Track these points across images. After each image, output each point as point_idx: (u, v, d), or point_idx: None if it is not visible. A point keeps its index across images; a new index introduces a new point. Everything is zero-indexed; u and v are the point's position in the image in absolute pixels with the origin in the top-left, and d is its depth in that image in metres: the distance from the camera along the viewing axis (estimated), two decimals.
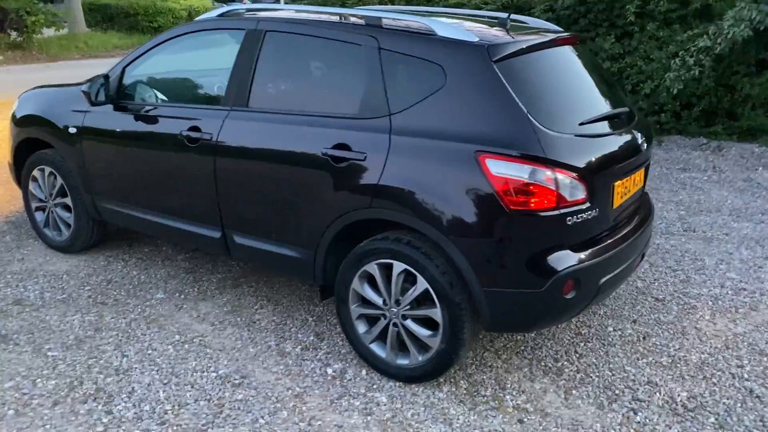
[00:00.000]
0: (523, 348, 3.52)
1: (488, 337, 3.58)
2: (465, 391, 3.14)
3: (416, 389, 3.14)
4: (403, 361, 3.16)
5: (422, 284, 2.98)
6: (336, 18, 3.33)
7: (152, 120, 3.79)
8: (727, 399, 3.11)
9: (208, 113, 3.56)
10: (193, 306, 3.90)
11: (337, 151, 3.09)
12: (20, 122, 4.51)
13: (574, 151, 2.87)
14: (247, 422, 2.89)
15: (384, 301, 3.14)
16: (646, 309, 3.95)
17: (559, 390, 3.17)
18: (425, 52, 2.99)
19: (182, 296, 4.02)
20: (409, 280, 3.04)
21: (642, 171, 3.39)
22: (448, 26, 3.01)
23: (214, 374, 3.23)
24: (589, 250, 2.93)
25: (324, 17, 3.38)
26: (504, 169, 2.75)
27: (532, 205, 2.75)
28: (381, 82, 3.06)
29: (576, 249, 2.89)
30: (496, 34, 3.12)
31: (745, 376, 3.29)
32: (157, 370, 3.24)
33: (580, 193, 2.84)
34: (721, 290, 4.18)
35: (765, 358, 3.44)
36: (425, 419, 2.94)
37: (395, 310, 3.11)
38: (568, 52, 3.31)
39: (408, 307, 3.07)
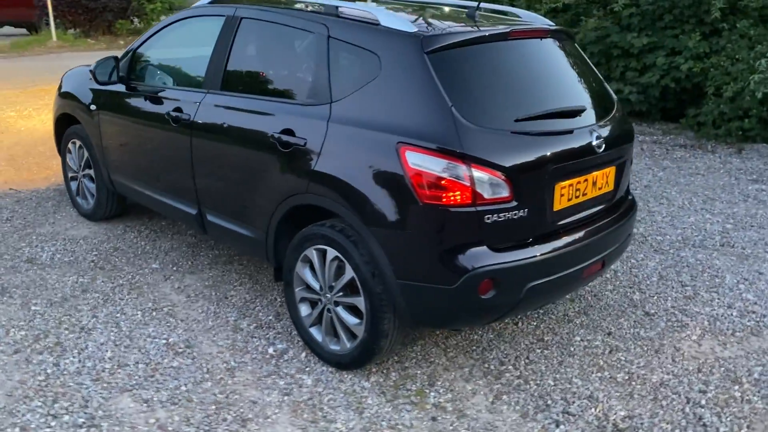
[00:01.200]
0: (474, 348, 3.43)
1: (443, 333, 3.53)
2: (392, 384, 3.13)
3: (345, 376, 3.17)
4: (335, 347, 3.19)
5: (349, 272, 3.00)
6: (301, 6, 3.39)
7: (150, 100, 4.04)
8: (667, 423, 2.88)
9: (190, 95, 3.75)
10: (179, 278, 4.13)
11: (284, 136, 3.17)
12: (60, 97, 4.95)
13: (501, 147, 2.77)
14: (170, 388, 3.05)
15: (321, 286, 3.18)
16: (629, 322, 3.72)
17: (490, 393, 3.08)
18: (366, 41, 3.00)
19: (174, 268, 4.26)
20: (342, 267, 3.06)
21: (607, 172, 3.19)
22: (392, 16, 2.99)
23: (164, 341, 3.42)
24: (514, 251, 2.82)
25: (292, 5, 3.46)
26: (420, 162, 2.71)
27: (444, 199, 2.69)
28: (327, 69, 3.10)
29: (498, 248, 2.79)
30: (444, 25, 3.05)
31: (702, 402, 3.03)
32: (116, 333, 3.48)
33: (504, 192, 2.74)
34: (726, 311, 3.85)
35: (736, 387, 3.15)
36: (338, 405, 2.96)
37: (329, 296, 3.14)
38: (528, 46, 3.18)
39: (341, 294, 3.10)
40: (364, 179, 2.88)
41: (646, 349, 3.46)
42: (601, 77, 3.56)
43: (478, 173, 2.68)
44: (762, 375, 3.25)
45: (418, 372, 3.22)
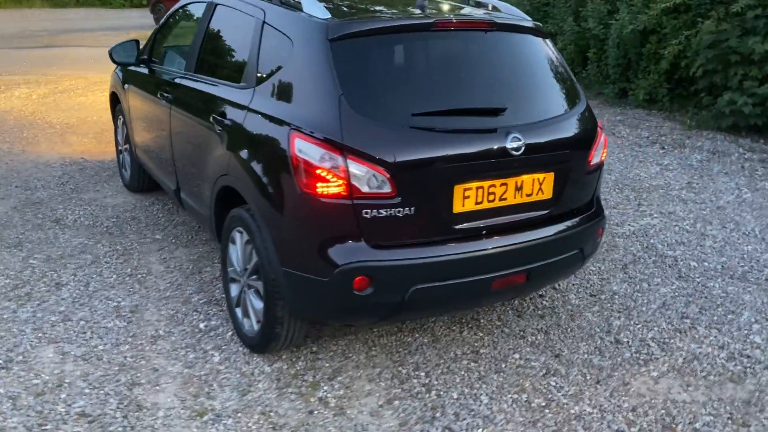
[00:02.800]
0: (401, 350, 3.30)
1: (377, 331, 3.43)
2: (293, 373, 3.10)
3: (253, 359, 3.19)
4: (248, 329, 3.23)
5: (255, 256, 3.03)
6: None
7: (153, 81, 4.32)
8: None
9: (176, 77, 3.96)
10: (171, 250, 4.37)
11: (220, 118, 3.25)
12: (114, 74, 5.41)
13: (390, 142, 2.64)
14: (92, 345, 3.26)
15: (240, 268, 3.23)
16: (589, 347, 3.38)
17: (383, 397, 2.95)
18: (286, 26, 3.00)
19: (173, 240, 4.52)
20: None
21: (540, 178, 2.91)
22: (314, 3, 2.95)
23: (115, 304, 3.65)
24: (398, 250, 2.68)
25: None
26: (303, 149, 2.67)
27: (319, 189, 2.62)
28: (257, 54, 3.13)
29: (379, 245, 2.67)
30: (366, 14, 2.96)
31: None
32: (82, 290, 3.78)
33: (386, 187, 2.62)
34: (715, 350, 3.36)
35: None
36: (228, 385, 3.00)
37: (245, 278, 3.19)
38: (459, 38, 2.98)
39: (254, 277, 3.13)
40: (262, 165, 2.89)
41: (588, 377, 3.13)
42: (570, 77, 3.25)
43: (355, 166, 2.59)
44: (705, 426, 2.82)
45: (327, 365, 3.16)
